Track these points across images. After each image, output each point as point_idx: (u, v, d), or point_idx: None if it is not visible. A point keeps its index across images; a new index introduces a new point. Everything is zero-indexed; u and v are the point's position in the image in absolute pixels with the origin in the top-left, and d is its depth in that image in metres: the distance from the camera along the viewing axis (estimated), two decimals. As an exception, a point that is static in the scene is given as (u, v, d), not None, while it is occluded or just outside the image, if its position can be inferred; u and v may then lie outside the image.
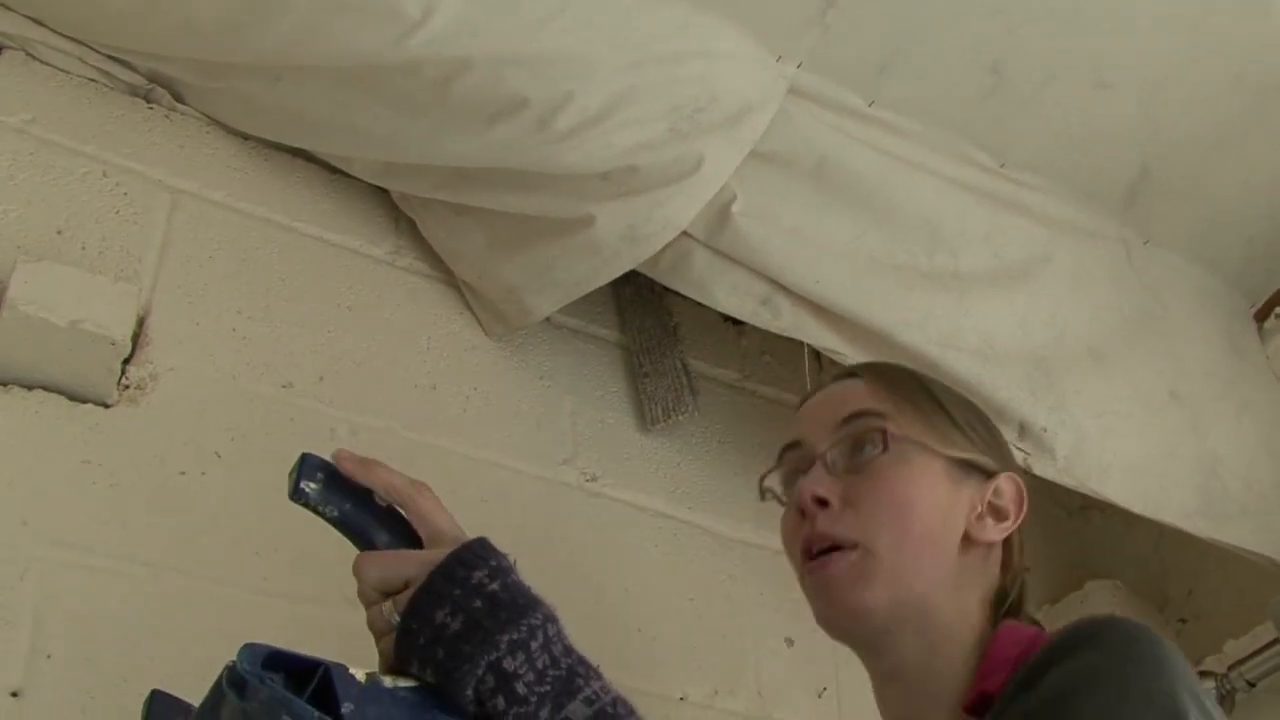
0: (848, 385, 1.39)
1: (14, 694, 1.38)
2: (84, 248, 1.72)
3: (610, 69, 1.76)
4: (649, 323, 2.17)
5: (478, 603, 0.97)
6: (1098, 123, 2.10)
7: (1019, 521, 1.34)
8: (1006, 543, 1.35)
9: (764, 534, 1.97)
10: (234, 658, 0.91)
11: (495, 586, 0.98)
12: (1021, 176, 2.13)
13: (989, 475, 1.34)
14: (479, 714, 0.96)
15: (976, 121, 2.06)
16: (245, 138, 1.95)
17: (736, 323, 2.27)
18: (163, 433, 1.64)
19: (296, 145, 1.96)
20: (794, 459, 1.37)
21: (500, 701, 0.95)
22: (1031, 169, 2.13)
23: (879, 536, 1.26)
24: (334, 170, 1.99)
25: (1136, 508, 2.06)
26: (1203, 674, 2.12)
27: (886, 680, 1.29)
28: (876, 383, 1.38)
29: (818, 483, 1.29)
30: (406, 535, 1.08)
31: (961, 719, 1.20)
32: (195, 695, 1.22)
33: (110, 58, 1.86)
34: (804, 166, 1.93)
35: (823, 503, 1.29)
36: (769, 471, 1.42)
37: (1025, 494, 1.35)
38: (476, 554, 1.01)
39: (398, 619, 1.00)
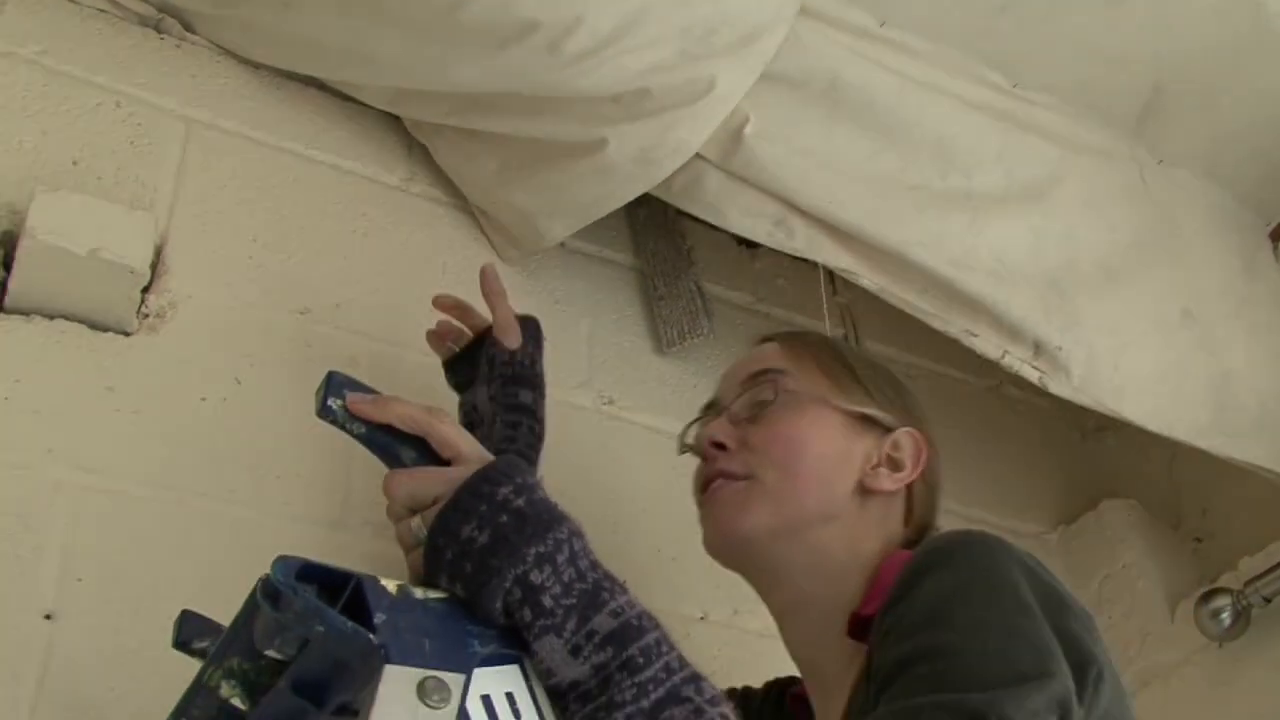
0: (763, 348, 1.52)
1: (47, 616, 1.40)
2: (100, 178, 1.73)
3: (621, -10, 1.76)
4: (663, 246, 2.17)
5: (504, 518, 0.98)
6: (1110, 40, 2.08)
7: (916, 474, 1.42)
8: (909, 495, 1.43)
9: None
10: (267, 571, 0.92)
11: (521, 502, 0.99)
12: (1033, 96, 2.12)
13: (888, 430, 1.43)
14: (508, 625, 0.98)
15: (988, 40, 2.05)
16: (256, 67, 1.95)
17: (750, 245, 2.27)
18: (183, 360, 1.66)
19: (307, 73, 1.96)
20: (705, 417, 1.51)
21: (527, 613, 0.96)
22: (1043, 88, 2.12)
23: (767, 470, 1.38)
24: (345, 98, 1.99)
25: (1151, 425, 2.07)
26: (1219, 591, 2.13)
27: (783, 614, 1.40)
28: (786, 344, 1.50)
29: (718, 429, 1.43)
30: (433, 451, 1.09)
31: (847, 645, 1.28)
32: (222, 615, 1.24)
33: (120, -13, 1.86)
34: (816, 88, 1.92)
35: (720, 446, 1.41)
36: (688, 427, 1.56)
37: (926, 451, 1.43)
38: (503, 471, 1.02)
39: (425, 534, 1.01)
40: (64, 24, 1.82)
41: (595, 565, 1.00)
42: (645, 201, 1.99)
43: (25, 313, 1.58)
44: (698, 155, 1.85)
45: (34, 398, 1.53)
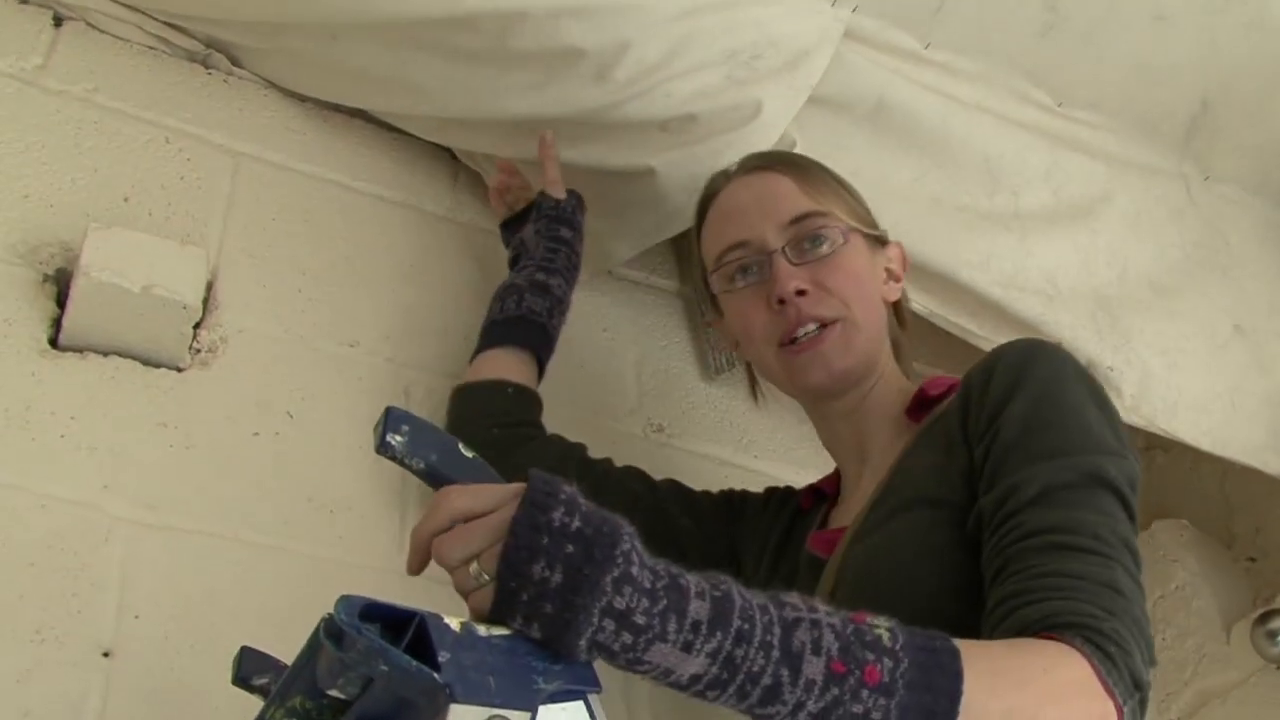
0: (772, 180, 1.61)
1: (105, 654, 1.40)
2: (150, 213, 1.74)
3: (666, 17, 1.76)
4: (710, 272, 2.17)
5: (569, 547, 0.96)
6: (1156, 57, 2.07)
7: (903, 281, 1.66)
8: (899, 301, 1.66)
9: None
10: (330, 609, 0.92)
11: (577, 523, 0.97)
12: (1080, 114, 2.11)
13: (884, 244, 1.64)
14: (588, 660, 0.97)
15: (1033, 60, 2.04)
16: (303, 99, 1.96)
17: (796, 269, 2.27)
18: (235, 394, 1.66)
19: (354, 105, 1.97)
20: (738, 256, 1.58)
21: (627, 638, 0.95)
22: (1089, 106, 2.11)
23: (853, 310, 1.52)
24: (391, 129, 2.00)
25: (1204, 444, 2.06)
26: (1276, 612, 2.11)
27: (838, 416, 1.58)
28: (800, 177, 1.60)
29: (792, 275, 1.53)
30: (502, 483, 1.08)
31: (903, 423, 1.51)
32: (279, 650, 1.25)
33: (167, 24, 1.88)
34: (862, 110, 1.92)
35: (802, 293, 1.51)
36: (712, 271, 1.63)
37: (907, 257, 1.67)
38: (545, 492, 0.99)
39: (487, 578, 1.00)
40: (113, 62, 1.84)
41: (655, 557, 1.00)
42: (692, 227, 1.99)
43: (79, 350, 1.58)
44: (745, 180, 1.85)
45: (89, 435, 1.53)
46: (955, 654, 1.03)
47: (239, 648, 1.25)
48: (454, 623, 0.93)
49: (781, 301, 1.52)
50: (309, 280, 1.81)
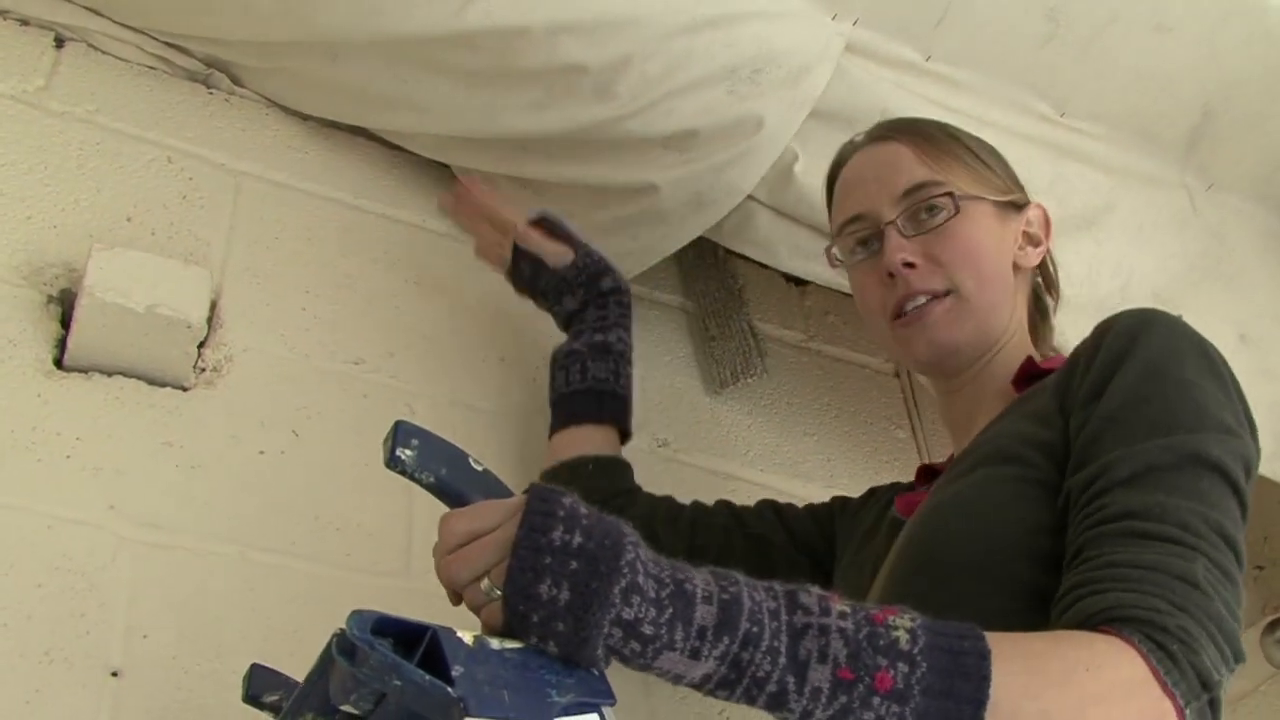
0: (891, 151, 1.57)
1: (114, 674, 1.40)
2: (153, 233, 1.74)
3: (667, 33, 1.76)
4: (713, 286, 2.17)
5: (574, 564, 0.97)
6: (1158, 67, 2.07)
7: (1049, 243, 1.59)
8: (1044, 264, 1.60)
9: (834, 493, 1.95)
10: (339, 626, 0.91)
11: (579, 539, 0.98)
12: (1082, 125, 2.11)
13: (1020, 208, 1.57)
14: (609, 661, 0.98)
15: (1035, 71, 2.04)
16: (304, 118, 1.96)
17: (799, 282, 2.27)
18: (240, 413, 1.66)
19: (355, 123, 1.97)
20: (856, 229, 1.56)
21: (635, 645, 0.96)
22: (1092, 117, 2.11)
23: (964, 283, 1.48)
24: (393, 147, 2.00)
25: (1211, 453, 2.05)
26: (1283, 620, 2.10)
27: (955, 390, 1.54)
28: (920, 146, 1.56)
29: (900, 248, 1.49)
30: (502, 499, 1.08)
31: (1008, 394, 1.46)
32: (288, 668, 1.25)
33: (168, 44, 1.88)
34: (865, 123, 1.91)
35: (910, 265, 1.48)
36: (832, 244, 1.62)
37: (1050, 219, 1.60)
38: (543, 512, 1.00)
39: (498, 593, 1.00)
40: (115, 82, 1.84)
41: (659, 561, 1.01)
42: (694, 242, 1.99)
43: (84, 370, 1.58)
44: (748, 195, 1.85)
45: (94, 455, 1.53)
46: (984, 655, 1.00)
47: (249, 666, 1.25)
48: (467, 636, 0.93)
49: (891, 275, 1.50)
50: (312, 298, 1.81)
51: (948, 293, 1.48)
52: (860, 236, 1.56)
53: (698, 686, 1.00)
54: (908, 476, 1.65)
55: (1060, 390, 1.32)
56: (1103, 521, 1.15)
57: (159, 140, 1.83)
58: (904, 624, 1.01)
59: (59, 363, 1.58)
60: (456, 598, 1.05)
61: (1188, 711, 1.02)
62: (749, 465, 2.05)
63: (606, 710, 0.97)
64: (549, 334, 1.96)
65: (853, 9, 1.89)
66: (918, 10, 1.94)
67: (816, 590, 1.03)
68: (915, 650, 0.99)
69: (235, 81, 1.92)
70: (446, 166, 2.02)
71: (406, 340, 1.85)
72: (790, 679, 0.98)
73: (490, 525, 1.03)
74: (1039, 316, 1.61)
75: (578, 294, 1.76)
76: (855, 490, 1.76)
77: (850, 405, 2.21)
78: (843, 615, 1.00)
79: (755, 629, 0.98)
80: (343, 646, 0.90)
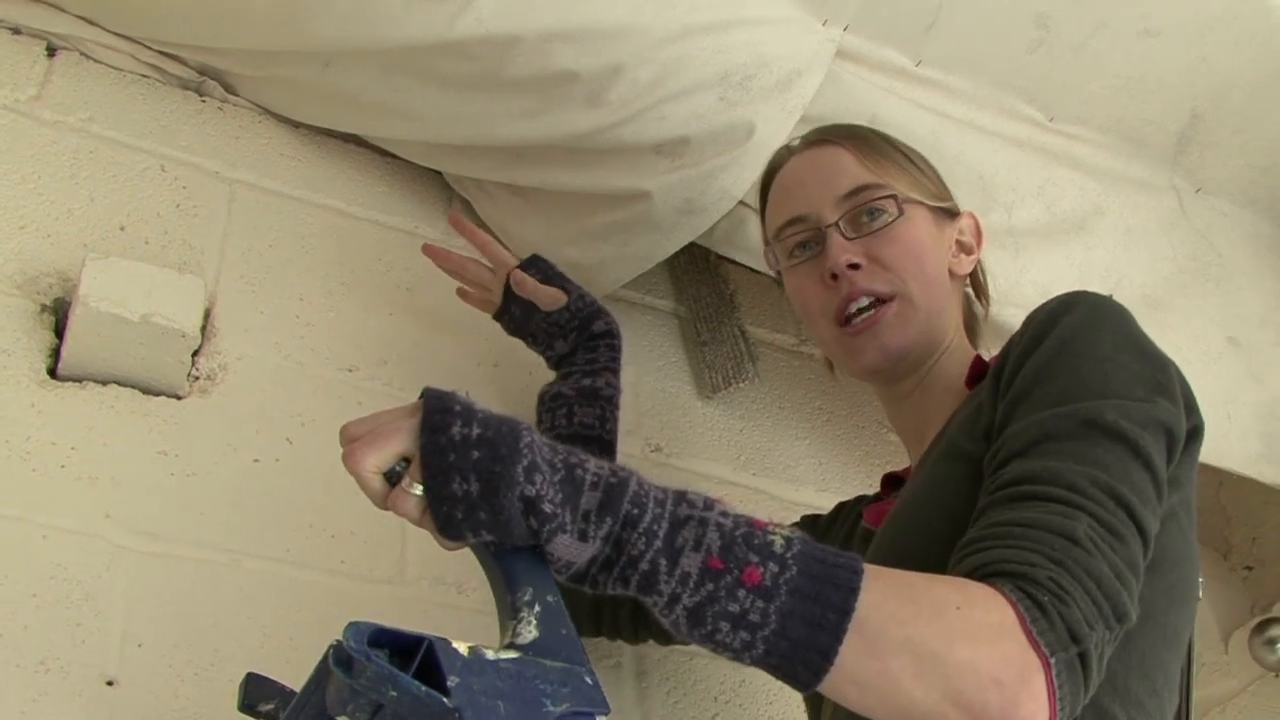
0: (831, 154, 1.58)
1: (110, 683, 1.40)
2: (147, 242, 1.74)
3: (658, 40, 1.76)
4: (704, 291, 2.17)
5: (475, 454, 0.99)
6: (1146, 71, 2.08)
7: (980, 251, 1.61)
8: (974, 273, 1.62)
9: (826, 497, 1.98)
10: (334, 634, 0.92)
11: (478, 430, 1.01)
12: (1071, 129, 2.12)
13: (954, 216, 1.60)
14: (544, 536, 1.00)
15: (1024, 76, 2.05)
16: (297, 126, 1.97)
17: (790, 287, 2.27)
18: (234, 421, 1.66)
19: (348, 131, 1.97)
20: (795, 231, 1.57)
21: (534, 522, 0.99)
22: (1081, 121, 2.12)
23: (909, 285, 1.49)
24: (385, 154, 2.01)
25: (1201, 456, 2.05)
26: (1274, 620, 2.11)
27: (903, 398, 1.54)
28: (860, 150, 1.57)
29: (844, 249, 1.50)
30: None
31: (961, 394, 1.46)
32: (283, 676, 1.26)
33: (161, 53, 1.89)
34: (856, 129, 1.93)
35: (854, 266, 1.49)
36: (769, 247, 1.62)
37: (981, 228, 1.61)
38: (438, 410, 1.03)
39: (418, 488, 1.01)
40: (108, 91, 1.84)
41: (554, 447, 1.03)
42: (686, 248, 2.00)
43: (79, 380, 1.58)
44: (739, 200, 1.86)
45: (89, 464, 1.54)
46: (856, 572, 1.00)
47: (244, 674, 1.26)
48: (462, 647, 0.94)
49: (835, 276, 1.50)
50: (306, 306, 1.81)
51: (893, 296, 1.49)
52: (800, 239, 1.56)
53: (584, 575, 1.02)
54: (896, 481, 1.65)
55: (995, 378, 1.32)
56: (998, 488, 1.16)
57: (152, 149, 1.83)
58: (783, 532, 1.02)
59: (53, 372, 1.58)
60: (383, 500, 1.05)
61: (1053, 660, 1.01)
62: (741, 469, 2.05)
63: (601, 720, 0.97)
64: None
65: (843, 15, 1.90)
66: (908, 16, 1.95)
67: (704, 495, 1.04)
68: (788, 555, 1.00)
69: (228, 90, 1.93)
70: (439, 174, 2.03)
71: (400, 347, 1.86)
72: (662, 560, 1.00)
73: (390, 419, 1.05)
74: (972, 322, 1.62)
75: (569, 337, 1.74)
76: (847, 494, 1.77)
77: (842, 409, 2.22)
78: (725, 514, 1.02)
79: (636, 511, 1.00)
80: (339, 658, 0.90)
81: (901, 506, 1.38)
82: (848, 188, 1.53)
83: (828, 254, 1.51)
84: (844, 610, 0.98)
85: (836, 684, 0.99)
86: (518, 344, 1.86)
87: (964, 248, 1.59)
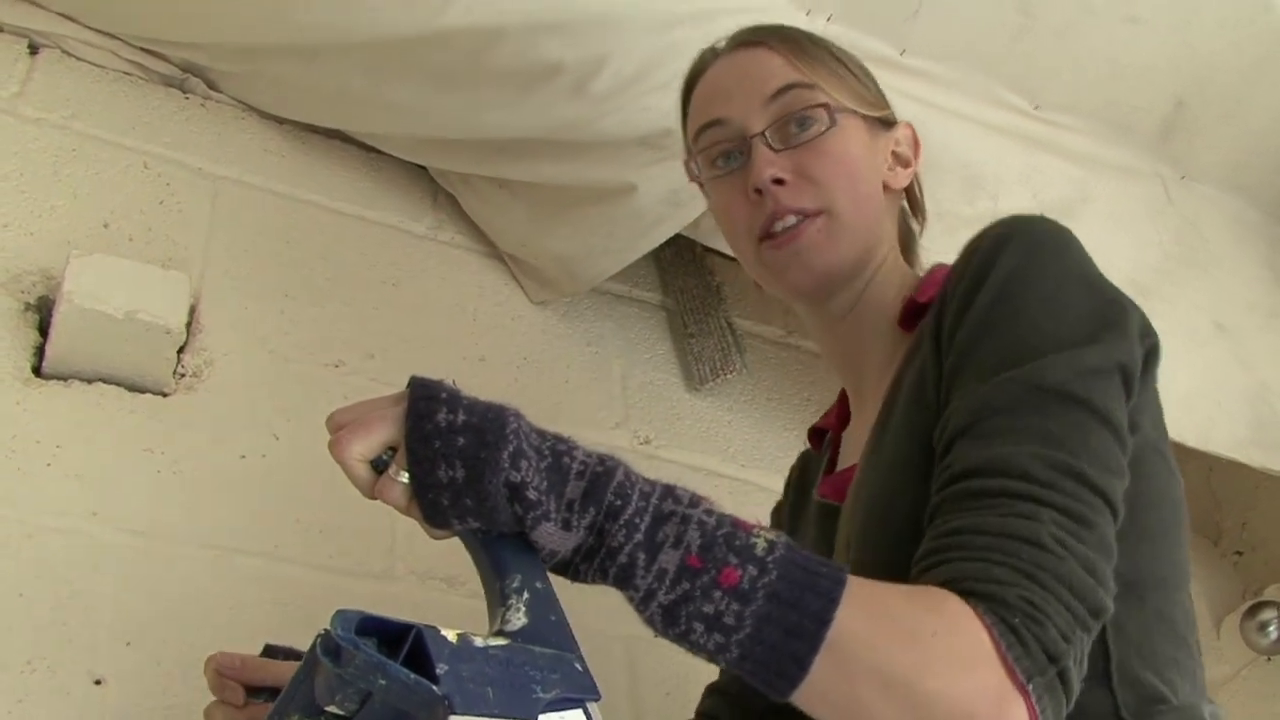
0: (758, 56, 1.43)
1: (98, 681, 1.40)
2: (131, 239, 1.73)
3: (642, 30, 1.76)
4: (691, 283, 2.17)
5: (460, 440, 0.98)
6: (1129, 58, 2.09)
7: (918, 164, 1.48)
8: (910, 187, 1.49)
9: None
10: (323, 628, 0.91)
11: (463, 416, 0.99)
12: (1056, 117, 2.12)
13: (890, 125, 1.46)
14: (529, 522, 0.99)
15: (1009, 63, 2.05)
16: (280, 121, 1.96)
17: (778, 279, 2.27)
18: (220, 418, 1.66)
19: (332, 125, 1.97)
20: (716, 137, 1.43)
21: (518, 509, 0.98)
22: (1065, 108, 2.13)
23: (838, 201, 1.35)
24: (370, 149, 2.00)
25: (1189, 441, 2.06)
26: (1265, 604, 2.11)
27: (834, 322, 1.42)
28: (791, 51, 1.42)
29: (770, 163, 1.36)
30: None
31: (896, 334, 1.36)
32: (274, 671, 1.25)
33: (144, 50, 1.88)
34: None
35: (780, 181, 1.36)
36: (691, 157, 1.48)
37: (919, 140, 1.49)
38: (423, 397, 1.01)
39: (405, 476, 1.00)
40: (90, 88, 1.83)
41: (542, 433, 1.02)
42: (672, 240, 1.99)
43: (64, 377, 1.58)
44: (725, 191, 1.85)
45: (75, 462, 1.53)
46: (839, 582, 0.96)
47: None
48: (451, 634, 0.93)
49: (759, 191, 1.36)
50: (291, 302, 1.81)
51: (820, 212, 1.35)
52: (724, 149, 1.42)
53: (569, 563, 1.01)
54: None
55: (935, 330, 1.23)
56: (949, 482, 1.08)
57: (135, 146, 1.82)
58: (768, 535, 0.98)
59: (38, 370, 1.57)
60: (370, 488, 1.04)
61: (1031, 686, 0.96)
62: (729, 461, 2.05)
63: (591, 706, 0.97)
64: (528, 334, 1.97)
65: (827, 4, 1.90)
66: (891, 5, 1.95)
67: (690, 492, 1.02)
68: (769, 559, 0.96)
69: (211, 86, 1.92)
70: (424, 169, 2.02)
71: (386, 342, 1.85)
72: (641, 555, 0.97)
73: (376, 407, 1.04)
74: (908, 239, 1.50)
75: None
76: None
77: (829, 399, 2.20)
78: (709, 513, 0.99)
79: (619, 502, 0.98)
80: (327, 647, 0.89)
81: (864, 491, 1.28)
82: (775, 87, 1.39)
83: (752, 167, 1.37)
84: (823, 620, 0.94)
85: (809, 699, 0.97)
86: (504, 338, 1.85)
87: (900, 159, 1.46)
